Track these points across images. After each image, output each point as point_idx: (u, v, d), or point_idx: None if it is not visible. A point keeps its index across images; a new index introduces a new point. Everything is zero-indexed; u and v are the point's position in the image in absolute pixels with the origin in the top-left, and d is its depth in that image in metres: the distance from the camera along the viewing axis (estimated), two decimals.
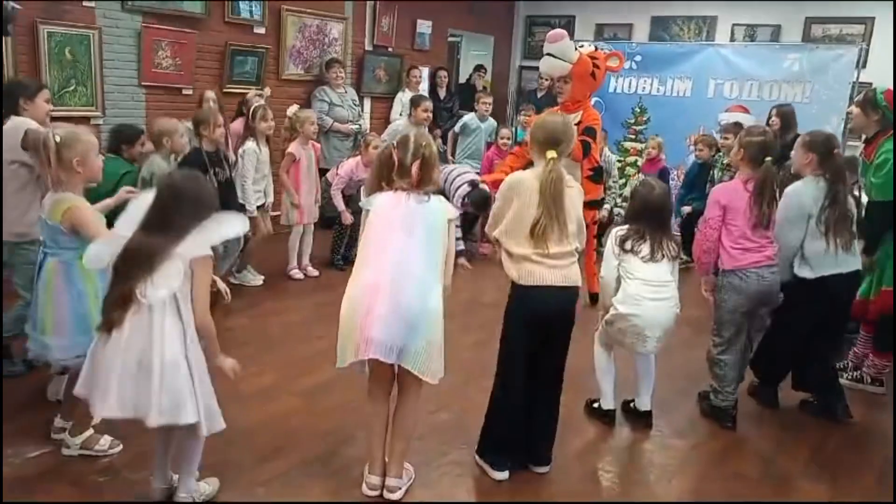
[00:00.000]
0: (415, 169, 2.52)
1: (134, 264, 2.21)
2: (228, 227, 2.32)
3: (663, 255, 3.13)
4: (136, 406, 2.23)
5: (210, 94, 5.90)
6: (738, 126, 5.22)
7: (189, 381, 2.28)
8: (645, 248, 3.12)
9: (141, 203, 2.33)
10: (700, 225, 3.50)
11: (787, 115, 5.38)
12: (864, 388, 3.88)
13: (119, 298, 2.22)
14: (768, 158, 3.24)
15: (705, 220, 3.37)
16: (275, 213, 5.65)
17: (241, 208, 4.97)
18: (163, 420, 2.23)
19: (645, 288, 3.11)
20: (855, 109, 3.85)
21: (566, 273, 2.71)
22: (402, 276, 2.46)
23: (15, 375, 3.34)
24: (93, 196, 2.92)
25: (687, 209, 6.23)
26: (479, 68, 8.96)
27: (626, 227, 3.22)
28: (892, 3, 6.92)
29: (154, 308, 2.22)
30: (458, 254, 3.16)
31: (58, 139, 2.60)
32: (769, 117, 5.55)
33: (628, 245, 3.14)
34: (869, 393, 3.87)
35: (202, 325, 2.32)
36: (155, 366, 2.21)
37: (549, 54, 4.75)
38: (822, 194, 3.33)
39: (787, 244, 3.38)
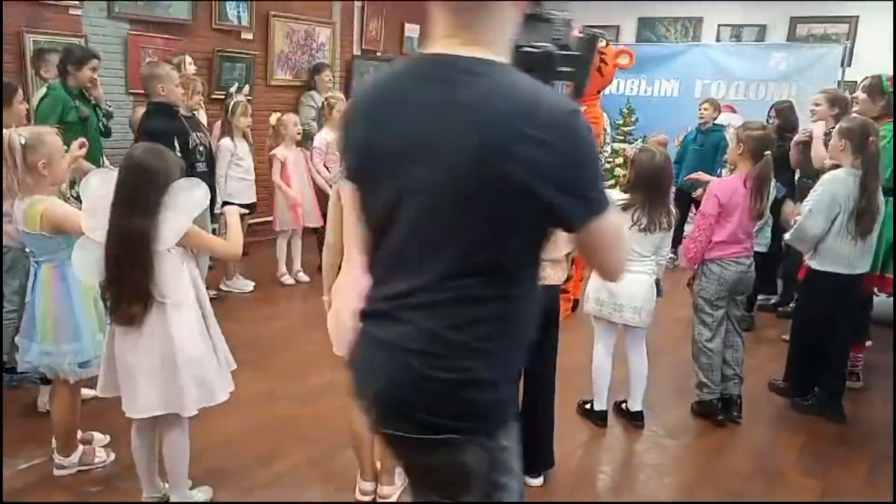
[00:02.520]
0: None
1: (128, 251, 2.18)
2: (194, 199, 2.28)
3: (657, 227, 3.14)
4: (166, 403, 2.29)
5: (187, 58, 5.52)
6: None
7: (215, 362, 2.37)
8: (644, 221, 3.12)
9: (94, 191, 2.28)
10: (696, 219, 3.47)
11: (783, 112, 5.40)
12: None
13: (132, 290, 2.19)
14: (767, 153, 3.26)
15: (702, 214, 3.37)
16: (268, 219, 5.64)
17: (226, 206, 4.97)
18: (200, 405, 2.33)
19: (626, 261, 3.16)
20: (861, 95, 3.96)
21: (545, 273, 2.69)
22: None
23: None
24: None
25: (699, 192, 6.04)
26: None
27: (626, 196, 3.17)
28: (874, 1, 6.99)
29: (169, 305, 2.24)
30: None
31: (23, 141, 2.48)
32: (768, 116, 5.56)
33: (635, 216, 3.12)
34: (847, 388, 3.89)
35: (235, 257, 2.67)
36: (179, 362, 2.25)
37: None
38: (857, 189, 3.31)
39: (809, 233, 3.38)
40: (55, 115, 3.81)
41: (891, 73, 4.05)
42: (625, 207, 3.14)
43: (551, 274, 2.73)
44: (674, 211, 3.26)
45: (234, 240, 2.51)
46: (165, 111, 4.08)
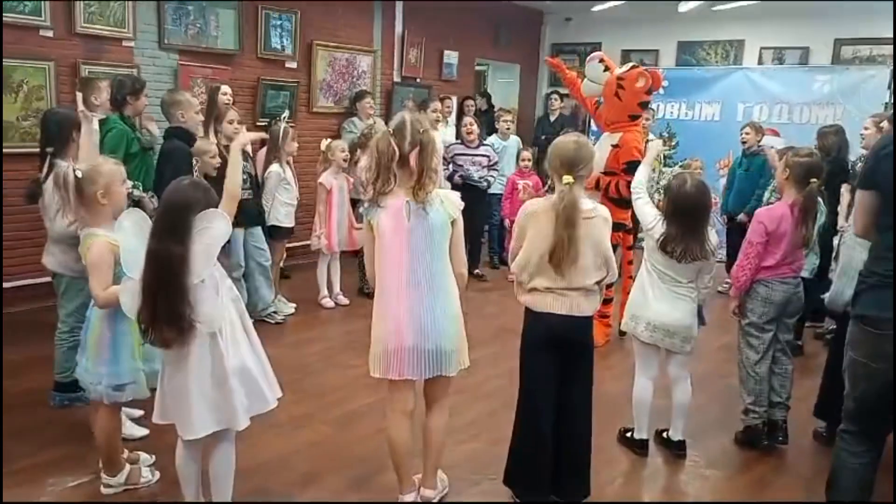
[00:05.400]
0: (413, 158, 2.42)
1: (162, 277, 2.23)
2: (217, 230, 2.31)
3: (691, 258, 3.08)
4: (219, 420, 2.35)
5: (225, 87, 5.30)
6: (789, 150, 5.15)
7: (260, 368, 2.44)
8: (678, 250, 3.07)
9: (129, 231, 2.35)
10: (743, 246, 3.37)
11: (824, 137, 5.29)
12: None
13: (166, 315, 2.24)
14: (813, 181, 3.20)
15: (749, 241, 3.30)
16: (307, 242, 5.74)
17: (271, 229, 5.09)
18: (251, 413, 2.39)
19: (661, 288, 3.16)
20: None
21: (577, 303, 2.67)
22: (419, 317, 2.50)
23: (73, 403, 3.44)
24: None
25: (743, 218, 6.04)
26: (482, 94, 9.05)
27: (664, 229, 3.12)
28: None
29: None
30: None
31: (79, 174, 2.55)
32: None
33: (669, 248, 3.09)
34: None
35: (237, 196, 2.49)
36: (230, 376, 2.32)
37: (587, 78, 4.85)
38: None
39: (850, 262, 3.29)
40: (122, 148, 3.93)
41: None
42: (665, 243, 3.09)
43: (583, 303, 2.70)
44: (713, 240, 3.18)
45: (231, 186, 2.48)
46: (181, 136, 4.20)
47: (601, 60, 4.83)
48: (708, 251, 3.10)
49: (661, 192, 3.44)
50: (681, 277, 3.16)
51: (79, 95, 3.86)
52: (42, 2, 4.84)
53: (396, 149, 2.42)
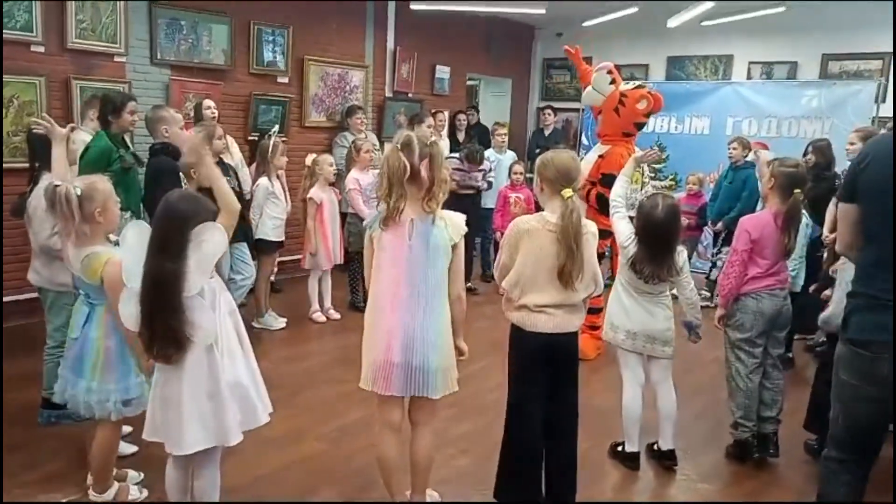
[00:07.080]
0: (424, 170, 2.45)
1: (158, 295, 2.24)
2: (215, 243, 2.31)
3: (661, 280, 3.15)
4: (209, 437, 2.34)
5: (208, 101, 5.44)
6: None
7: (254, 383, 2.44)
8: (646, 270, 3.13)
9: (132, 243, 2.36)
10: (728, 255, 3.43)
11: (820, 150, 5.35)
12: None
13: (165, 333, 2.24)
14: (797, 191, 3.23)
15: (734, 250, 3.34)
16: (298, 257, 5.73)
17: (259, 243, 5.08)
18: (244, 429, 2.38)
19: (636, 299, 3.21)
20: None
21: (565, 320, 2.68)
22: (409, 333, 2.49)
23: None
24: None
25: (719, 227, 6.35)
26: (475, 107, 9.09)
27: (636, 249, 3.17)
28: None
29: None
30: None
31: (78, 192, 2.55)
32: (805, 153, 5.48)
33: (638, 268, 3.15)
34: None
35: (236, 213, 2.45)
36: (224, 389, 2.32)
37: (592, 86, 4.85)
38: None
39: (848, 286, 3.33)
40: (101, 165, 3.92)
41: None
42: (633, 262, 3.15)
43: (571, 319, 2.70)
44: (680, 260, 3.18)
45: (225, 201, 2.43)
46: (167, 151, 4.19)
47: (609, 72, 4.78)
48: (675, 273, 3.15)
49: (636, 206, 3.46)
50: (653, 291, 3.21)
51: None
52: (35, 2, 4.82)
53: (407, 163, 2.43)
